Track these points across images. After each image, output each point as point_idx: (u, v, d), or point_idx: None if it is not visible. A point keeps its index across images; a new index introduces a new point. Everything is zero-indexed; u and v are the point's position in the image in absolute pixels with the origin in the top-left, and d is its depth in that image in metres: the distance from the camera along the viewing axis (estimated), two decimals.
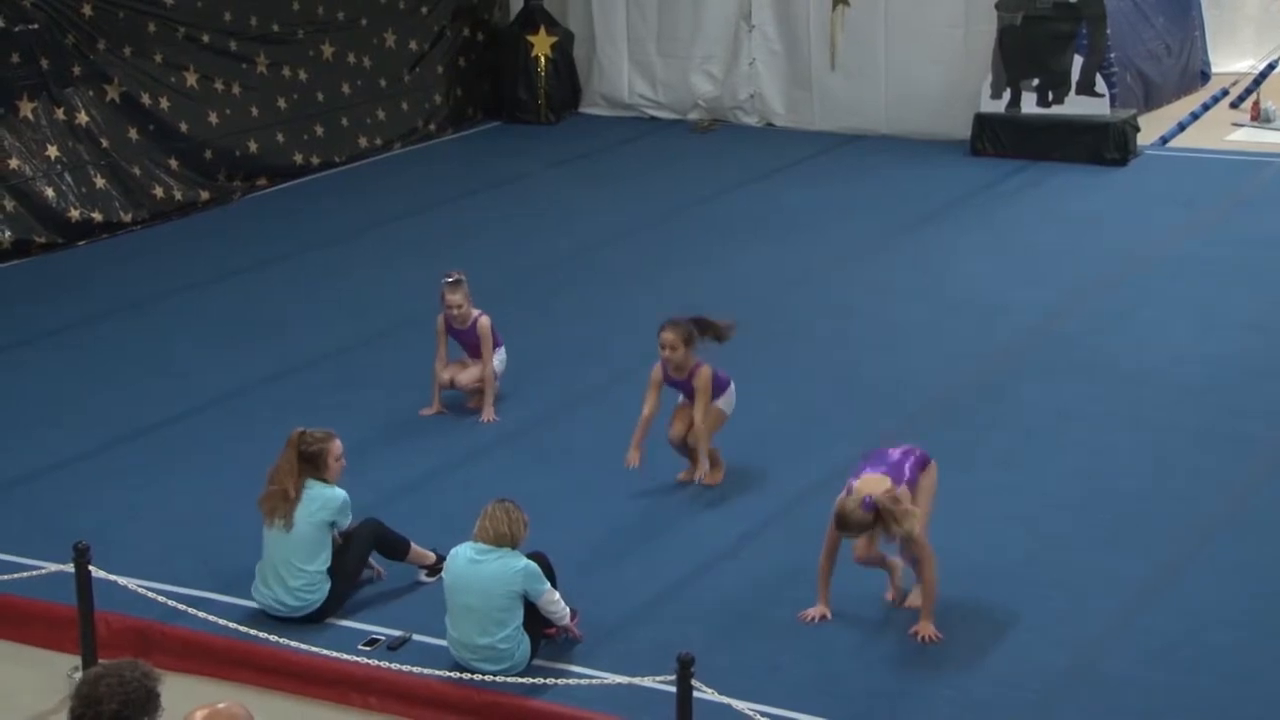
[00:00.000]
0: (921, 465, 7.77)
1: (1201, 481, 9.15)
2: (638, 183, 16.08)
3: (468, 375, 10.20)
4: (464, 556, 7.23)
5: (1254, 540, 8.48)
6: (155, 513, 8.96)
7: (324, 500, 7.78)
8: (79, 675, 6.54)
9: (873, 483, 7.48)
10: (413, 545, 8.03)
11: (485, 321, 10.07)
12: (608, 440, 9.50)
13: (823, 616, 7.69)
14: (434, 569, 8.01)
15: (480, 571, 7.15)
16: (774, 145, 17.34)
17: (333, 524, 7.83)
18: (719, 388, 9.07)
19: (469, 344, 10.20)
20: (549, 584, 7.27)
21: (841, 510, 7.39)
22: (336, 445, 7.86)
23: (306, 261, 13.63)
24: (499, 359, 10.23)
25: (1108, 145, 16.15)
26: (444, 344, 10.16)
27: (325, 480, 7.82)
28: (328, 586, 7.79)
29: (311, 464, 7.79)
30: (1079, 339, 11.44)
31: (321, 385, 10.81)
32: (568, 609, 7.35)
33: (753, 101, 18.20)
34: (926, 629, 7.54)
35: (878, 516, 7.32)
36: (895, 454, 7.73)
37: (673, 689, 6.40)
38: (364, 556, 7.97)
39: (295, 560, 7.73)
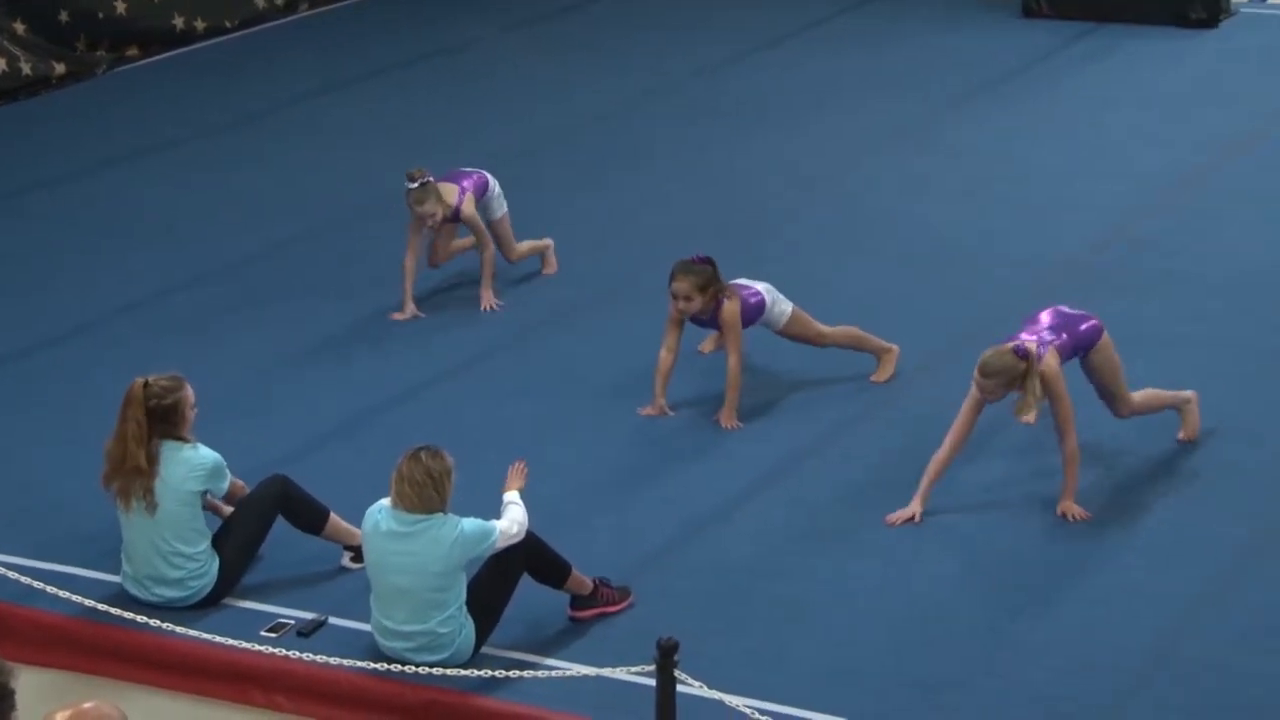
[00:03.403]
0: (1087, 343, 8.45)
1: None
2: (614, 52, 15.99)
3: (456, 244, 10.68)
4: (384, 528, 7.19)
5: None
6: (4, 465, 8.93)
7: (190, 465, 7.64)
8: None
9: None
10: (333, 516, 7.90)
11: (469, 210, 10.30)
12: (582, 366, 9.60)
13: (912, 518, 8.12)
14: (361, 552, 7.74)
15: (407, 546, 7.13)
16: (783, 3, 17.25)
17: (205, 492, 7.74)
18: (753, 316, 9.20)
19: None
20: (493, 527, 7.20)
21: (985, 358, 8.02)
22: (190, 393, 7.72)
23: (192, 152, 13.55)
24: (500, 204, 10.61)
25: (1193, 2, 16.09)
26: (416, 236, 10.37)
27: (183, 439, 7.70)
28: (216, 564, 7.70)
29: (166, 421, 7.63)
30: (1156, 245, 11.45)
31: (221, 301, 10.82)
32: (523, 520, 7.29)
33: None
34: (1070, 507, 8.23)
35: (1028, 370, 8.00)
36: (1056, 319, 8.45)
37: (652, 682, 6.40)
38: (264, 525, 7.85)
39: (170, 544, 7.61)
